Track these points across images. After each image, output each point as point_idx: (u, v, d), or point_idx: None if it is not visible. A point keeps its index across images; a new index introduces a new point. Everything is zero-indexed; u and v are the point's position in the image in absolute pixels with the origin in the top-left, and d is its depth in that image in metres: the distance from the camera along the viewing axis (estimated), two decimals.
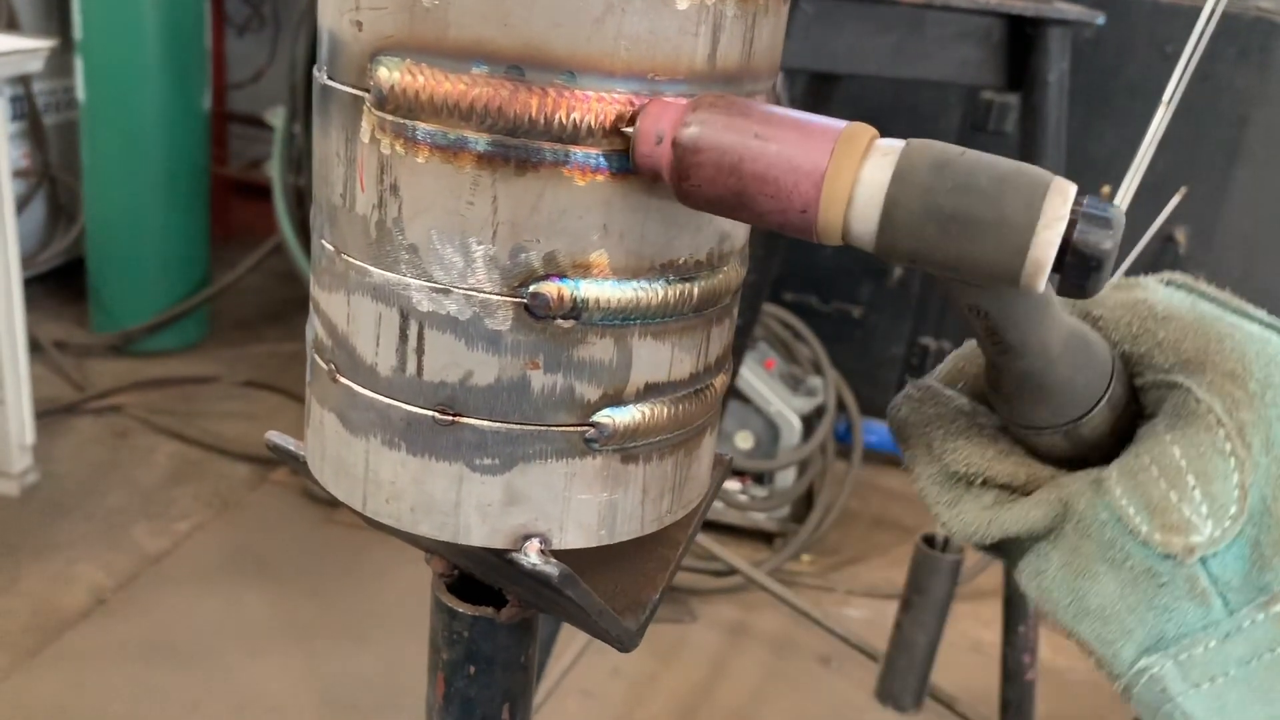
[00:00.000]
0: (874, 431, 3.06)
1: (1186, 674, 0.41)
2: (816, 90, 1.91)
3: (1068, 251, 0.36)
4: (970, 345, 0.49)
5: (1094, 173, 2.25)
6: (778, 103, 0.44)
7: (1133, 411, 0.45)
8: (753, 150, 0.39)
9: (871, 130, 0.39)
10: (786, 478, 2.86)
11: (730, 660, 2.44)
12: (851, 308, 3.23)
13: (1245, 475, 0.40)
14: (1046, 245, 0.36)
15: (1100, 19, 1.56)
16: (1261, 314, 0.43)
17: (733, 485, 2.83)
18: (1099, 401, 0.43)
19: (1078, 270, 0.36)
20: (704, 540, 2.31)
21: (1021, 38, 1.55)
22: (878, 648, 2.05)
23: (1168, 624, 0.41)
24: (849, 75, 1.68)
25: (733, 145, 0.39)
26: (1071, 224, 0.36)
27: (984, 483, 0.46)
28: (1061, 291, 0.37)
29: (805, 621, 2.32)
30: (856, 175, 0.38)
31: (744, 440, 2.84)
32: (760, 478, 2.87)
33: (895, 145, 0.38)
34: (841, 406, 2.99)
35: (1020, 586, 0.45)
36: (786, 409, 2.81)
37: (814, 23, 1.49)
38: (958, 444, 0.46)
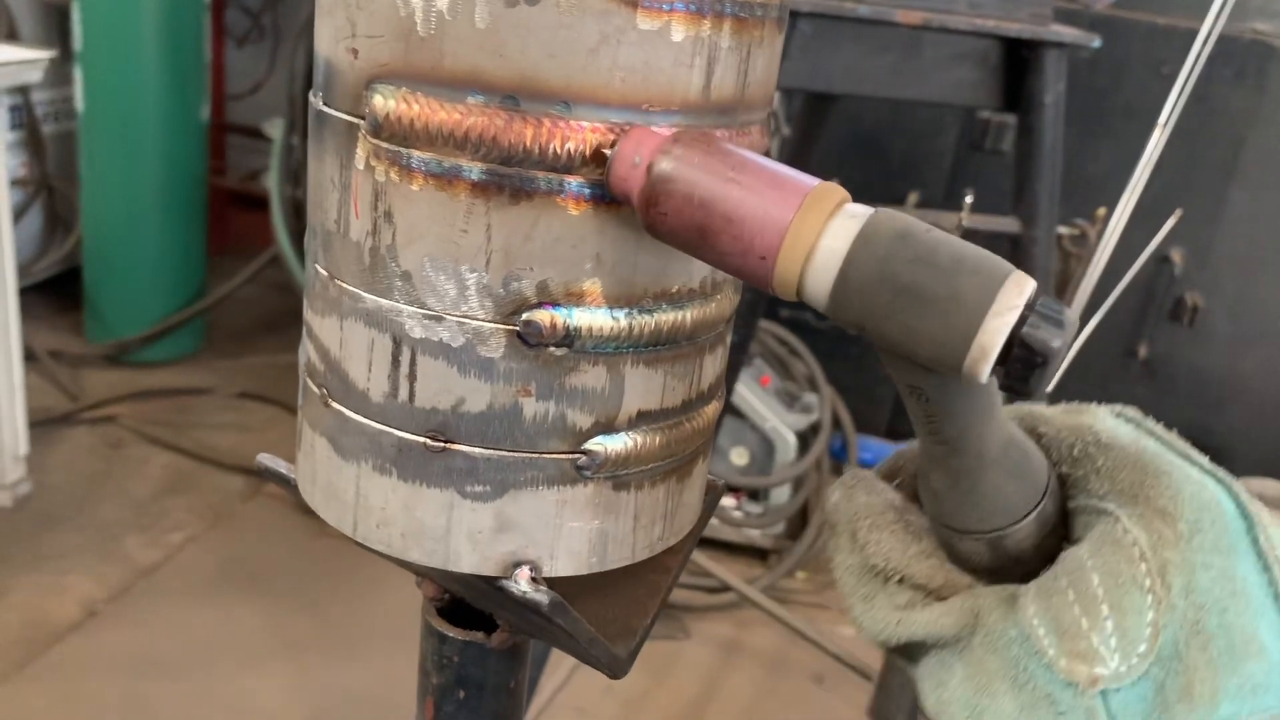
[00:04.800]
0: (869, 449, 3.06)
1: None
2: (813, 109, 1.92)
3: (1015, 344, 0.35)
4: (913, 446, 0.48)
5: (1090, 193, 2.26)
6: (776, 127, 0.44)
7: (1061, 534, 0.44)
8: (724, 189, 0.39)
9: (843, 192, 0.39)
10: (782, 494, 2.86)
11: (723, 678, 2.43)
12: None
13: (1160, 614, 0.38)
14: (995, 333, 0.35)
15: (1096, 42, 1.57)
16: (1203, 460, 0.42)
17: (728, 501, 2.83)
18: (1028, 514, 0.42)
19: (1023, 366, 0.35)
20: (698, 557, 2.31)
21: (1018, 60, 1.56)
22: (871, 666, 2.05)
23: None
24: (846, 95, 1.68)
25: (705, 181, 0.39)
26: (1023, 318, 0.35)
27: (901, 580, 0.45)
28: (1004, 387, 0.36)
29: (799, 639, 2.32)
30: (821, 230, 0.38)
31: (739, 456, 2.84)
32: (755, 494, 2.87)
33: (863, 210, 0.38)
34: (837, 423, 2.99)
35: (920, 696, 0.43)
36: (782, 425, 2.81)
37: (812, 42, 1.49)
38: (881, 536, 0.45)
